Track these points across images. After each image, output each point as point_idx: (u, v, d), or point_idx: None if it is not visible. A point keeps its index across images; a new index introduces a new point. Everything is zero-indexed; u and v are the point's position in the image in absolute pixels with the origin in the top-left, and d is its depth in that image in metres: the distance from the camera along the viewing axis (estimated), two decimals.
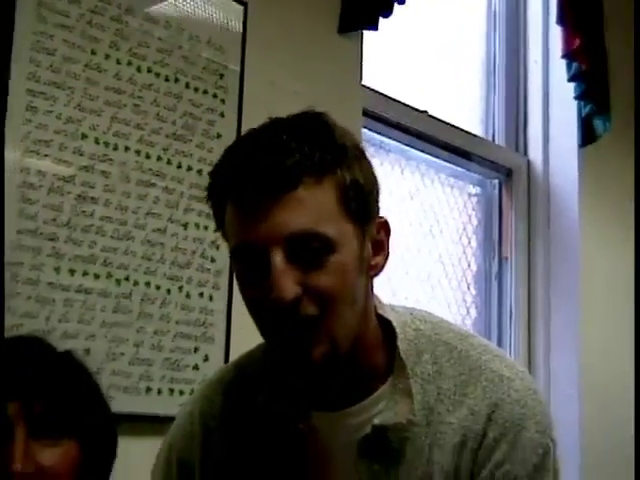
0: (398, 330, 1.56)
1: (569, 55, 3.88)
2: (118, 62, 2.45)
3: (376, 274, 1.53)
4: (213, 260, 2.60)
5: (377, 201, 1.52)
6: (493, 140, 4.08)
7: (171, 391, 2.47)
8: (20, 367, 1.56)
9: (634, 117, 2.15)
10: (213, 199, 1.49)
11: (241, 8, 2.74)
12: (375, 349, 1.56)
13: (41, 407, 1.51)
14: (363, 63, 3.18)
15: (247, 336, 2.22)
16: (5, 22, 2.24)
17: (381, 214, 1.53)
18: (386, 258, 1.53)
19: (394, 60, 3.59)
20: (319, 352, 1.41)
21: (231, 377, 1.74)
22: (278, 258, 1.38)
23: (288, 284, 1.37)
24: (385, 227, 1.53)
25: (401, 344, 1.54)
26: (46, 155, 2.29)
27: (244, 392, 1.67)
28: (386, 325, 1.56)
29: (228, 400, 1.69)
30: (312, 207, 1.40)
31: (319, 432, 1.58)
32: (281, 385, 1.60)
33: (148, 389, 2.41)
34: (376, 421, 1.52)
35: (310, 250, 1.40)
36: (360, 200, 1.45)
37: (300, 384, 1.55)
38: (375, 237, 1.51)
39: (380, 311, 1.58)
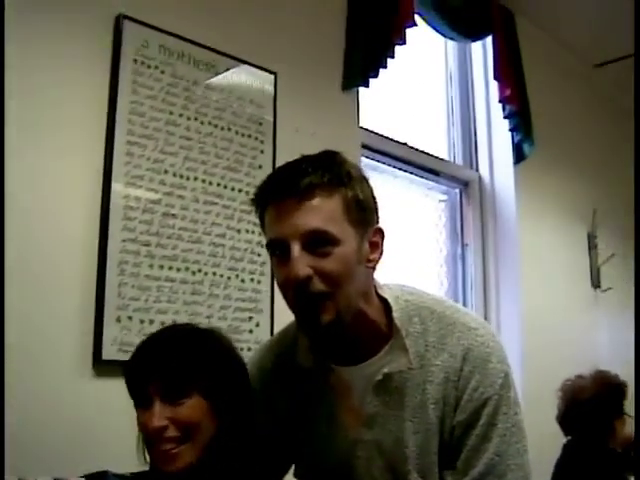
0: (392, 303, 1.56)
1: (503, 100, 3.87)
2: (188, 119, 2.45)
3: (373, 267, 1.53)
4: (259, 255, 2.58)
5: (374, 213, 1.53)
6: (454, 161, 4.05)
7: None
8: (150, 351, 1.56)
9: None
10: (257, 208, 1.51)
11: (272, 76, 2.74)
12: (377, 319, 1.56)
13: (168, 382, 1.49)
14: (359, 111, 3.16)
15: (286, 308, 2.24)
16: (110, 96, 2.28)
17: (379, 220, 1.54)
18: (380, 255, 1.53)
19: (383, 107, 3.57)
20: (325, 319, 1.43)
21: (275, 346, 1.75)
22: (296, 248, 1.40)
23: (301, 266, 1.40)
24: (380, 232, 1.53)
25: (395, 313, 1.55)
26: (140, 186, 2.30)
27: (286, 355, 1.67)
28: (384, 301, 1.57)
29: (275, 361, 1.71)
30: (322, 213, 1.43)
31: (344, 380, 1.60)
32: (311, 348, 1.61)
33: None
34: (385, 370, 1.55)
35: (320, 243, 1.41)
36: (359, 212, 1.46)
37: (315, 343, 1.57)
38: (372, 239, 1.51)
39: (379, 291, 1.58)
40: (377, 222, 1.54)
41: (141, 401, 1.51)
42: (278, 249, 1.45)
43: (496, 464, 1.52)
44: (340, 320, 1.45)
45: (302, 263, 1.41)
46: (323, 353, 1.60)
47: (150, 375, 1.50)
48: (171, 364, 1.52)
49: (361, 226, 1.48)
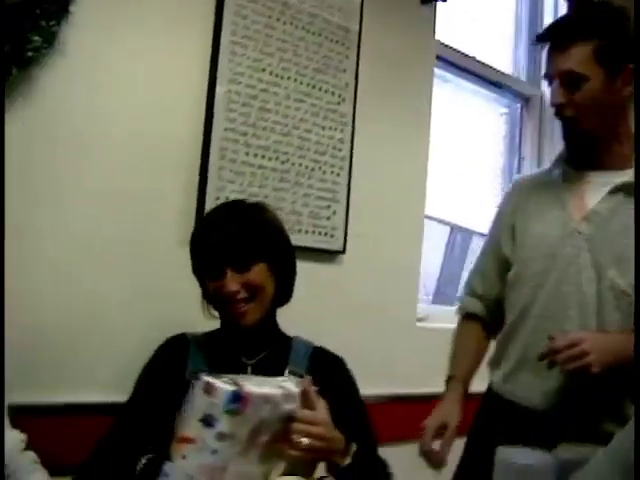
0: None
1: None
2: (284, 23, 2.68)
3: (629, 95, 1.98)
4: (340, 150, 2.84)
5: (623, 57, 1.97)
6: (518, 76, 4.19)
7: (313, 232, 2.75)
8: (221, 226, 1.84)
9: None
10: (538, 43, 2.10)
11: None
12: (625, 145, 2.03)
13: (238, 255, 1.79)
14: (436, 23, 3.35)
15: (361, 200, 2.51)
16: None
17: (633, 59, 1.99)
18: (631, 87, 1.97)
19: (456, 21, 3.71)
20: (572, 131, 2.02)
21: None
22: (556, 83, 1.97)
23: (558, 96, 1.96)
24: (630, 71, 1.96)
25: None
26: (240, 82, 2.54)
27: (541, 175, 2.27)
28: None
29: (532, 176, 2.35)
30: (576, 57, 1.93)
31: (586, 181, 2.06)
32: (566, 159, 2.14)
33: (299, 230, 2.69)
34: (626, 178, 1.98)
35: (573, 80, 1.94)
36: (608, 56, 1.94)
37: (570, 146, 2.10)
38: (623, 76, 1.96)
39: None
40: (629, 61, 1.96)
41: (214, 273, 1.80)
42: (548, 79, 2.00)
43: None
44: (580, 124, 1.98)
45: (559, 94, 1.96)
46: (576, 162, 2.09)
47: (222, 251, 1.79)
48: (240, 239, 1.81)
49: (610, 67, 1.94)
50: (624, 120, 2.04)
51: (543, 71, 2.09)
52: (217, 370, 1.69)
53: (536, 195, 2.15)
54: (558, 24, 2.07)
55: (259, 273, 1.82)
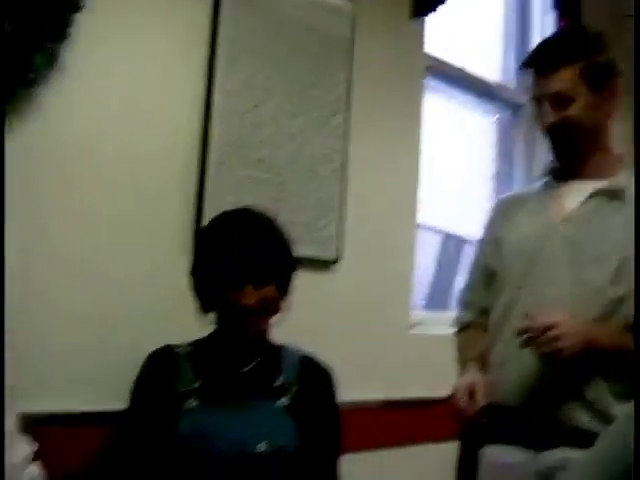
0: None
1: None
2: (277, 37, 2.70)
3: (612, 109, 2.17)
4: (334, 161, 2.87)
5: (609, 73, 2.15)
6: (508, 84, 4.22)
7: (308, 242, 2.76)
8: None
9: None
10: (524, 69, 2.24)
11: (351, 3, 2.97)
12: (608, 155, 2.20)
13: (260, 267, 1.87)
14: (425, 36, 3.42)
15: (355, 208, 2.51)
16: None
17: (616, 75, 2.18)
18: (615, 103, 2.16)
19: (445, 31, 3.74)
20: (559, 132, 2.14)
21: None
22: (546, 105, 2.12)
23: (549, 117, 2.13)
24: (613, 85, 2.15)
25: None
26: (235, 95, 2.56)
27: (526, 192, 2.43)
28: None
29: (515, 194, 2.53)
30: (564, 79, 2.09)
31: (570, 188, 2.20)
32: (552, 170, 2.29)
33: (294, 240, 2.61)
34: (606, 184, 2.11)
35: (562, 100, 2.10)
36: (594, 75, 2.11)
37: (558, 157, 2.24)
38: (608, 92, 2.14)
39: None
40: (613, 77, 2.16)
41: (232, 285, 1.87)
42: (537, 102, 2.16)
43: None
44: (568, 139, 2.15)
45: (550, 115, 2.11)
46: (560, 173, 2.24)
47: (247, 265, 1.86)
48: (266, 255, 1.90)
49: (595, 84, 2.11)
50: (606, 132, 2.18)
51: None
52: (208, 380, 1.78)
53: (519, 207, 2.27)
54: (543, 49, 2.20)
55: (274, 290, 1.91)
